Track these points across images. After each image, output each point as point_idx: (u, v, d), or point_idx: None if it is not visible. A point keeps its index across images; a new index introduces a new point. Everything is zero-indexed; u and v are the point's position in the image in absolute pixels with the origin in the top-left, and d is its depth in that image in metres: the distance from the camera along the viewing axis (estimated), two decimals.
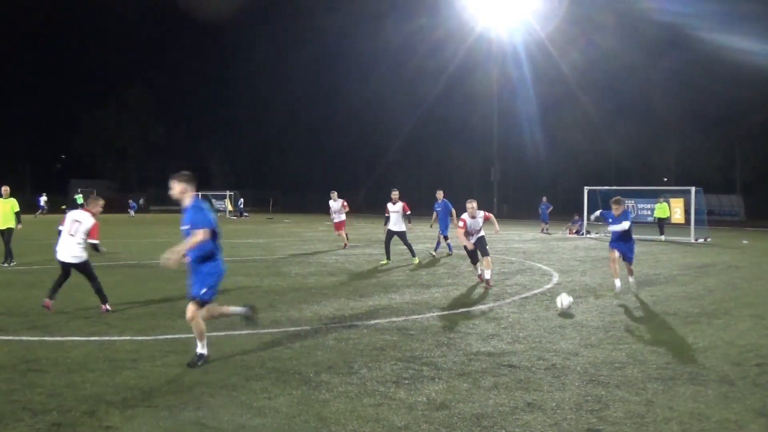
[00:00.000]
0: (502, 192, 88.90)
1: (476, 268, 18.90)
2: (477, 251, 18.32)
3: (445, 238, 27.43)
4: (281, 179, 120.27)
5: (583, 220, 43.47)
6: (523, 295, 16.48)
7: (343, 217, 30.55)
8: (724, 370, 9.58)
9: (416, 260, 24.15)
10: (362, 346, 10.93)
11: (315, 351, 10.57)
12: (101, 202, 14.91)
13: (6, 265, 22.41)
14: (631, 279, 17.41)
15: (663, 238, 37.83)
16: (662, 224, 39.33)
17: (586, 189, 43.26)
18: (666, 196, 42.59)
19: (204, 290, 9.67)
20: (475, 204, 18.24)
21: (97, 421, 7.40)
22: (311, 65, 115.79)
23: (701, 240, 37.11)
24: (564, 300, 14.37)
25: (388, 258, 24.17)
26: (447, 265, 23.22)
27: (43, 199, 77.40)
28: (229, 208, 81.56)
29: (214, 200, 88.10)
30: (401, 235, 24.42)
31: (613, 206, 17.02)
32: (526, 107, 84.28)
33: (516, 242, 35.49)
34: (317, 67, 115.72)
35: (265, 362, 9.86)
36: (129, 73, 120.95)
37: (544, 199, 47.32)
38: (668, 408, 7.90)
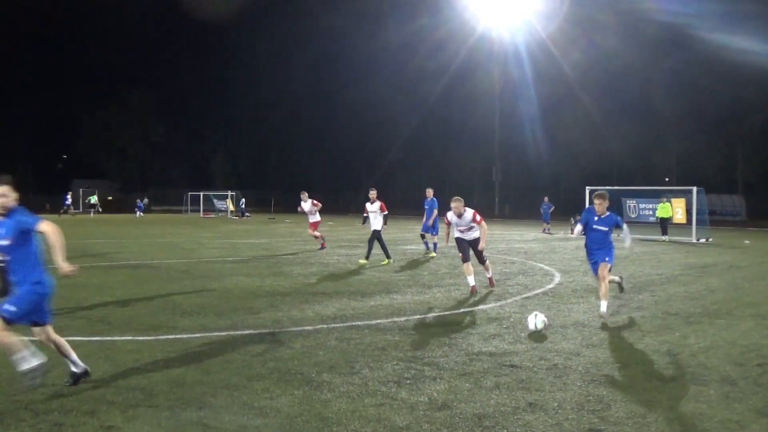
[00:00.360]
0: (504, 192, 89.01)
1: (467, 276, 17.20)
2: (469, 251, 17.22)
3: (421, 236, 27.61)
4: (283, 179, 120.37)
5: None
6: (525, 296, 16.46)
7: (318, 217, 30.16)
8: (725, 370, 9.58)
9: (364, 262, 23.76)
10: (364, 346, 10.93)
11: (317, 351, 10.58)
12: None
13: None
14: (603, 304, 13.51)
15: (666, 238, 37.81)
16: (665, 224, 39.28)
17: (587, 189, 43.22)
18: (668, 196, 42.53)
19: (12, 308, 8.33)
20: (459, 203, 17.06)
21: (98, 421, 7.42)
22: (312, 65, 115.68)
23: (703, 240, 37.12)
24: (533, 321, 12.09)
25: (388, 257, 24.18)
26: (448, 266, 23.18)
27: (68, 198, 78.01)
28: (231, 208, 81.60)
29: (215, 200, 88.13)
30: (374, 233, 24.20)
31: (596, 201, 13.99)
32: (528, 107, 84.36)
33: (517, 242, 35.51)
34: (318, 67, 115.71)
35: (267, 362, 9.86)
36: (130, 73, 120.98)
37: (546, 199, 47.35)
38: (670, 408, 7.90)
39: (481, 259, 17.49)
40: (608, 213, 13.98)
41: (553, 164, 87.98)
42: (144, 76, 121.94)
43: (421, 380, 8.95)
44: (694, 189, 38.81)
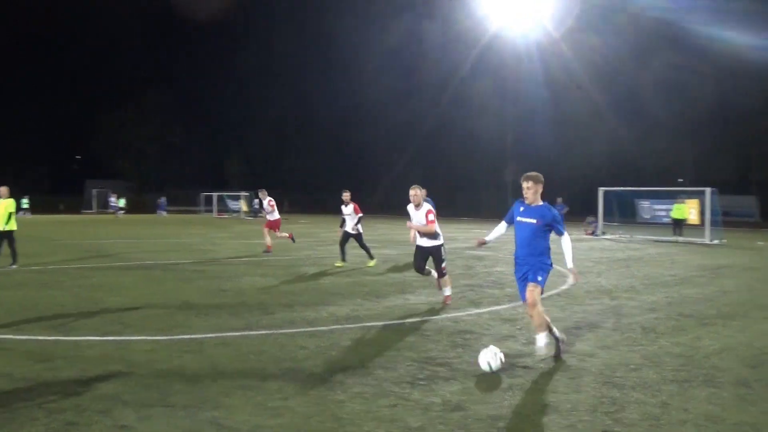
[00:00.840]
0: (517, 192, 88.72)
1: (426, 274, 15.74)
2: (424, 261, 15.43)
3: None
4: (299, 179, 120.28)
5: (597, 221, 43.40)
6: None
7: (276, 215, 29.24)
8: (740, 373, 9.57)
9: (372, 263, 23.59)
10: (378, 346, 10.94)
11: (330, 351, 10.60)
12: None
13: (14, 266, 22.10)
14: (539, 337, 10.43)
15: (680, 239, 37.74)
16: (680, 225, 39.21)
17: (601, 190, 43.21)
18: (682, 196, 42.38)
19: None
20: (418, 191, 15.12)
21: (112, 420, 7.44)
22: (328, 65, 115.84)
23: (716, 241, 36.99)
24: (488, 359, 9.50)
25: (344, 260, 23.70)
26: (462, 266, 23.17)
27: (113, 199, 78.72)
28: (244, 208, 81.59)
29: (229, 200, 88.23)
30: (356, 237, 23.74)
31: (524, 185, 10.49)
32: (541, 107, 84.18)
33: None
34: (334, 66, 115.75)
35: (281, 362, 9.88)
36: (145, 74, 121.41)
37: (560, 200, 47.16)
38: (683, 410, 7.90)
39: (440, 272, 15.37)
40: (542, 203, 10.52)
41: (566, 164, 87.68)
42: (159, 76, 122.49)
43: (435, 381, 8.96)
44: (707, 190, 38.66)
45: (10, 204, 22.27)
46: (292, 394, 8.38)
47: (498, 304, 15.46)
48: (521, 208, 10.53)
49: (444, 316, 13.88)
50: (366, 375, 9.24)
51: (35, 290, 17.01)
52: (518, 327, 12.58)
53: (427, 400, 8.18)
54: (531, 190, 10.37)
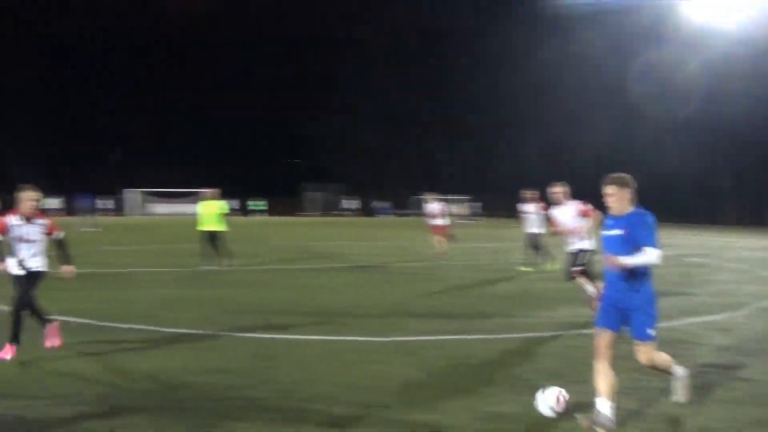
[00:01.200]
0: (738, 197, 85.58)
1: (586, 286, 14.57)
2: (575, 268, 14.54)
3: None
4: (510, 182, 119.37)
5: None
6: (758, 305, 15.95)
7: (443, 221, 27.84)
8: None
9: (552, 266, 22.87)
10: (591, 354, 10.93)
11: (545, 358, 10.71)
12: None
13: (229, 266, 22.95)
14: (676, 376, 8.60)
15: None
16: None
17: None
18: None
19: None
20: (558, 189, 14.75)
21: (325, 418, 7.76)
22: (534, 66, 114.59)
23: None
24: (545, 405, 7.98)
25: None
26: (678, 274, 22.54)
27: (348, 202, 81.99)
28: (461, 212, 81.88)
29: (449, 204, 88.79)
30: (539, 237, 23.42)
31: (608, 191, 7.95)
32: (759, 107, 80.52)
33: (748, 250, 34.25)
34: (549, 65, 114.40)
35: (496, 368, 10.05)
36: (358, 79, 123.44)
37: None
38: None
39: (582, 273, 14.47)
40: (634, 210, 7.92)
41: None
42: (371, 81, 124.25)
43: (650, 391, 8.93)
44: None
45: (220, 206, 23.34)
46: (507, 401, 8.52)
47: (713, 313, 15.09)
48: (608, 222, 8.08)
49: (660, 324, 13.68)
50: (579, 383, 9.20)
51: (255, 289, 17.84)
52: (736, 337, 12.28)
53: (641, 410, 8.20)
54: (614, 197, 7.91)
